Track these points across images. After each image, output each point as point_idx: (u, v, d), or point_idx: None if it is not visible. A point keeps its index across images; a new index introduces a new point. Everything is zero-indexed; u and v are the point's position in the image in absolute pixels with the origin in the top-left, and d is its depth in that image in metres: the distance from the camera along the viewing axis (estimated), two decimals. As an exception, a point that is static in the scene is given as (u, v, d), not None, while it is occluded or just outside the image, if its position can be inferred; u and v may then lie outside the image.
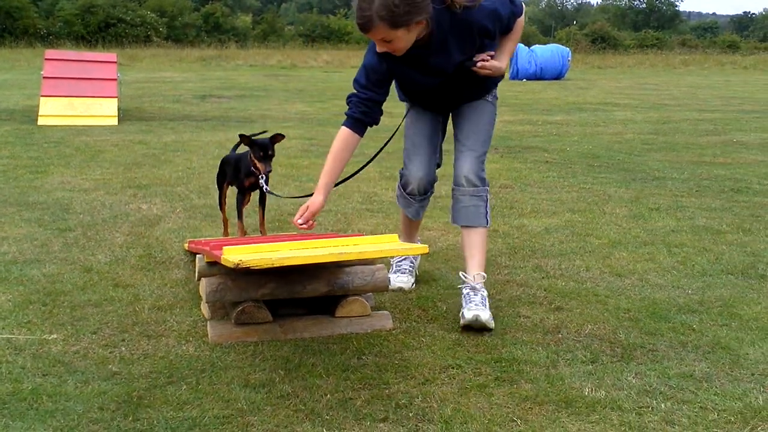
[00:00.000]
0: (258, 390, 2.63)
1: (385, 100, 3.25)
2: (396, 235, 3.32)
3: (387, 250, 2.99)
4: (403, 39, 2.97)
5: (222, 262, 2.72)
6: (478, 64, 3.21)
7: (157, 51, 32.52)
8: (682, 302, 3.57)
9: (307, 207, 3.10)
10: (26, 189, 5.81)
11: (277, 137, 4.06)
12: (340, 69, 27.04)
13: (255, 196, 4.31)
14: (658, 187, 6.27)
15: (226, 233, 4.49)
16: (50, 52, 11.70)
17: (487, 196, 3.44)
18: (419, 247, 3.12)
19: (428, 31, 3.04)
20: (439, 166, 3.66)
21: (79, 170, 6.65)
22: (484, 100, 3.48)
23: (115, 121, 10.08)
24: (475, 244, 3.43)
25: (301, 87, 17.63)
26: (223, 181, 4.44)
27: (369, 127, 3.29)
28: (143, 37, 39.63)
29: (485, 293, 3.33)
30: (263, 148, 4.01)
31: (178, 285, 3.72)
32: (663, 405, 2.56)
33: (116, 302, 3.48)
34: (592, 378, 2.76)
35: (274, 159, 4.06)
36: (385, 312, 3.32)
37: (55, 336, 3.09)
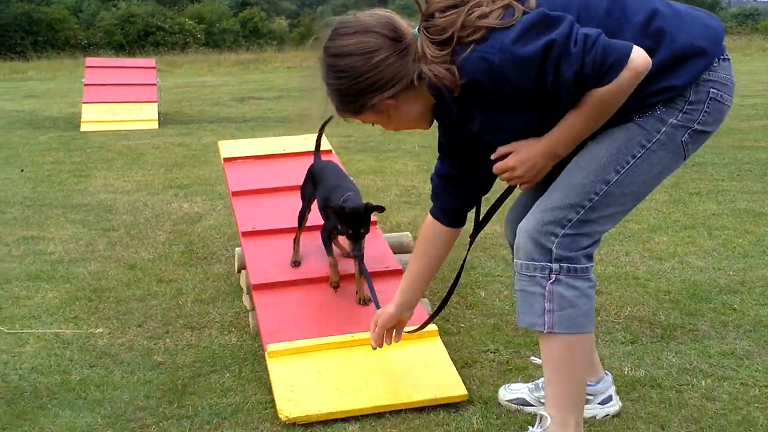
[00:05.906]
0: (299, 376, 2.67)
1: (458, 174, 2.26)
2: (436, 330, 2.79)
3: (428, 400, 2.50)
4: (384, 119, 2.08)
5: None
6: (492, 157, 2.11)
7: (195, 57, 32.74)
8: (723, 283, 3.54)
9: (378, 318, 2.45)
10: (71, 192, 5.93)
11: (375, 209, 2.79)
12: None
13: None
14: (699, 173, 6.20)
15: (295, 258, 3.26)
16: (91, 60, 11.92)
17: (548, 279, 2.01)
18: (458, 396, 2.48)
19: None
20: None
21: (122, 173, 6.76)
22: (619, 126, 1.98)
23: (155, 125, 10.20)
24: (544, 361, 2.09)
25: (338, 87, 17.66)
26: (305, 194, 3.29)
27: (456, 215, 2.32)
28: (181, 44, 40.01)
29: None
30: (351, 222, 2.72)
31: (219, 279, 3.78)
32: (703, 382, 2.55)
33: (160, 296, 3.55)
34: (632, 358, 2.76)
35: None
36: (424, 299, 3.33)
37: (101, 330, 3.17)
